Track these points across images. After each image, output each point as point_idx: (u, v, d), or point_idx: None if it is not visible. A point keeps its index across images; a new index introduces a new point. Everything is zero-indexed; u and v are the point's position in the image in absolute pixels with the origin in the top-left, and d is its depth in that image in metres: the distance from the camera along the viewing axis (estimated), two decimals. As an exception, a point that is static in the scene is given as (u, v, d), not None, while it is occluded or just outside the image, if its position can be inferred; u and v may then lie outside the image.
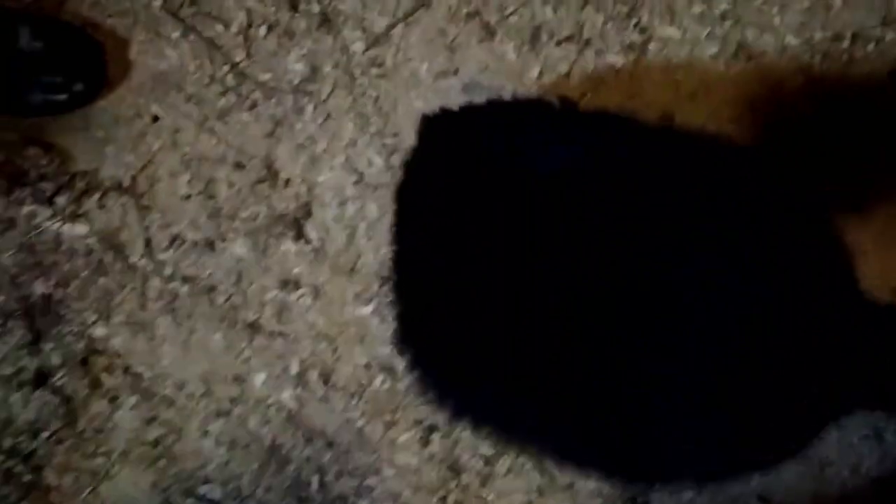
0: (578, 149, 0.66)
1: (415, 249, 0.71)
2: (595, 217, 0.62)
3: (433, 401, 0.71)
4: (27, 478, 0.88)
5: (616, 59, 0.95)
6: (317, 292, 0.92)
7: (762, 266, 0.62)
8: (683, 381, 0.60)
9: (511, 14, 0.96)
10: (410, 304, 0.71)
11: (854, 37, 0.94)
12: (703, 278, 0.60)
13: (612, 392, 0.61)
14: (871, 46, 0.93)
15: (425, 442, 0.89)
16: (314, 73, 0.96)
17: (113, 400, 0.90)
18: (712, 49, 0.94)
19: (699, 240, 0.62)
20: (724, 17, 0.95)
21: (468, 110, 0.76)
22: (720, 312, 0.60)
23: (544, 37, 0.96)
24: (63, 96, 0.91)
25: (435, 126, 0.74)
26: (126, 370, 0.91)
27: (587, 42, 0.95)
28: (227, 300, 0.92)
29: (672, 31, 0.95)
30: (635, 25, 0.95)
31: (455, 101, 0.76)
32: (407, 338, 0.72)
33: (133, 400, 0.90)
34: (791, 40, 0.94)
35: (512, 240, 0.63)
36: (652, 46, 0.95)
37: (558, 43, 0.95)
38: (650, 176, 0.64)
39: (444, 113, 0.75)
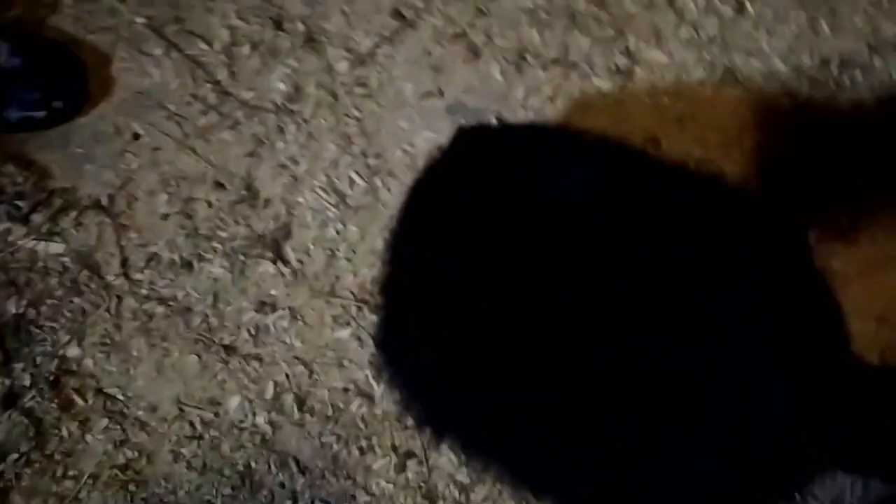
0: (598, 173, 0.67)
1: (415, 254, 0.71)
2: (599, 242, 0.62)
3: (412, 411, 0.70)
4: (-6, 501, 0.87)
5: (602, 82, 0.94)
6: (294, 315, 0.91)
7: (751, 299, 0.61)
8: (676, 411, 0.59)
9: (497, 36, 0.96)
10: (402, 310, 0.71)
11: (842, 63, 0.93)
12: (699, 306, 0.60)
13: (604, 424, 0.60)
14: (858, 73, 0.92)
15: (401, 469, 0.87)
16: (297, 92, 0.96)
17: (84, 422, 0.89)
18: (700, 74, 0.94)
19: (699, 269, 0.61)
20: (711, 41, 0.95)
21: (503, 128, 0.77)
22: (712, 341, 0.60)
23: (530, 59, 0.95)
24: (42, 113, 0.91)
25: (466, 139, 0.76)
26: (98, 392, 0.89)
27: (573, 65, 0.95)
28: (202, 322, 0.91)
29: (659, 56, 0.95)
30: (622, 49, 0.95)
31: (440, 121, 0.77)
32: (392, 348, 0.71)
33: (104, 422, 0.89)
34: (779, 66, 0.94)
35: (517, 256, 0.63)
36: (638, 70, 0.94)
37: (544, 66, 0.95)
38: (659, 207, 0.64)
39: (479, 127, 0.76)
